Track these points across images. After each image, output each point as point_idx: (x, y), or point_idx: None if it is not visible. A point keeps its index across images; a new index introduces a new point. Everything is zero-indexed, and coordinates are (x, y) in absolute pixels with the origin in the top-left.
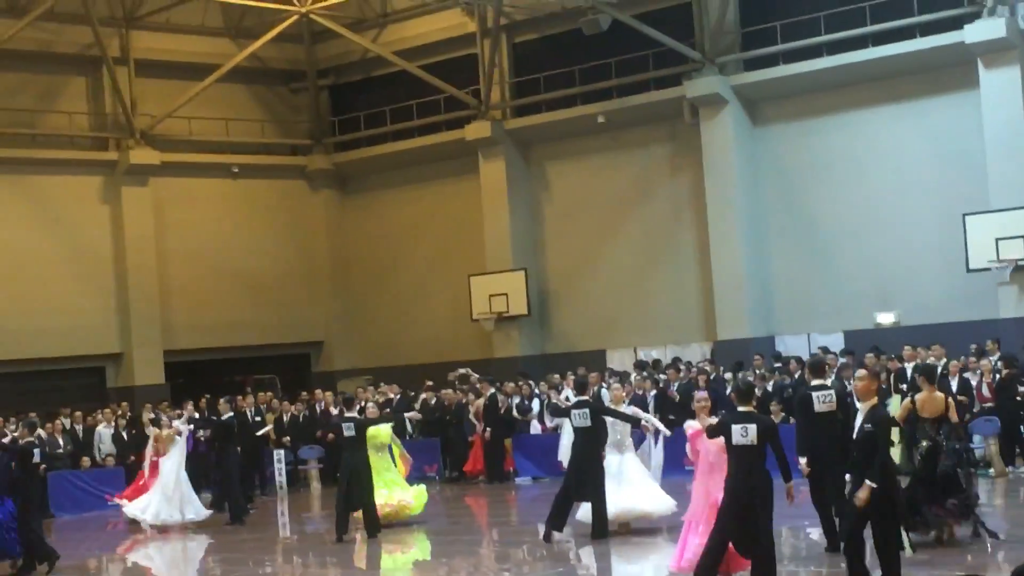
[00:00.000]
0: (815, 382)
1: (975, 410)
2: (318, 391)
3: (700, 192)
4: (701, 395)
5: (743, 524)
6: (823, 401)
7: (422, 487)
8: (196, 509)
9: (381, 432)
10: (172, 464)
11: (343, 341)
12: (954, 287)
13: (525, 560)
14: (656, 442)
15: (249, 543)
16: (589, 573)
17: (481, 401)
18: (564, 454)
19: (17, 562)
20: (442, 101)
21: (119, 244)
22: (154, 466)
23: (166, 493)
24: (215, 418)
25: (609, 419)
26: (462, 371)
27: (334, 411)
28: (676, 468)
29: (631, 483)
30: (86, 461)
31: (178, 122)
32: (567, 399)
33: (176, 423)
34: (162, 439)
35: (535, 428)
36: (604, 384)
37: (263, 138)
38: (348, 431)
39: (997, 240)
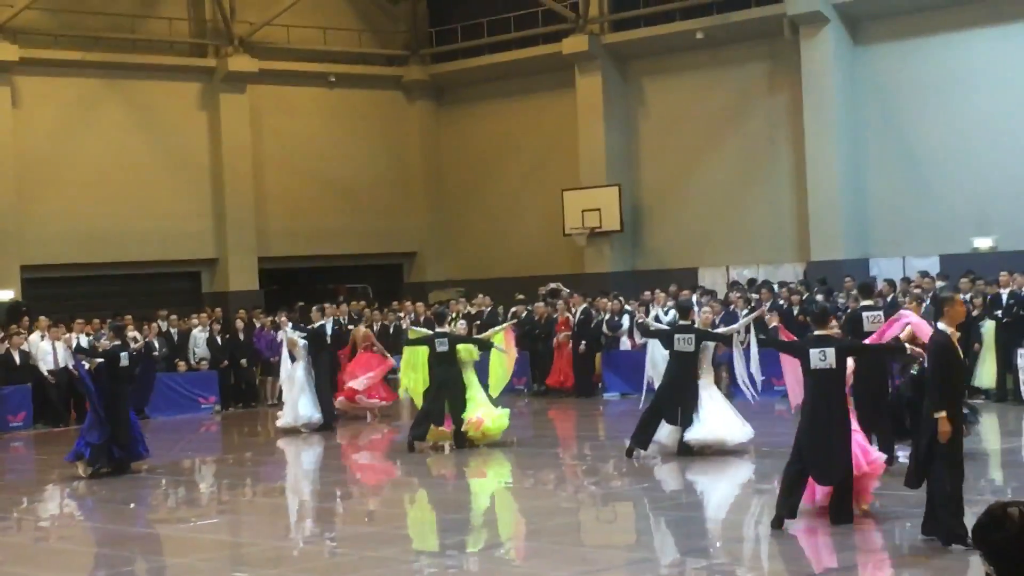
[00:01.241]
0: (865, 302)
1: None
2: (408, 302)
3: (798, 111)
4: (874, 315)
5: (822, 451)
6: (872, 321)
7: (505, 411)
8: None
9: (470, 350)
10: (301, 370)
11: (435, 252)
12: None
13: (611, 475)
14: (750, 360)
15: (337, 449)
16: (673, 490)
17: (567, 315)
18: (651, 370)
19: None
20: (540, 14)
21: (216, 151)
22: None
23: (296, 397)
24: (309, 326)
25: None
26: (553, 285)
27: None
28: (766, 389)
29: (713, 412)
30: (181, 364)
31: (276, 30)
32: (656, 318)
33: (289, 332)
34: (296, 345)
35: (624, 344)
36: (697, 303)
37: (360, 48)
38: (441, 347)
39: None
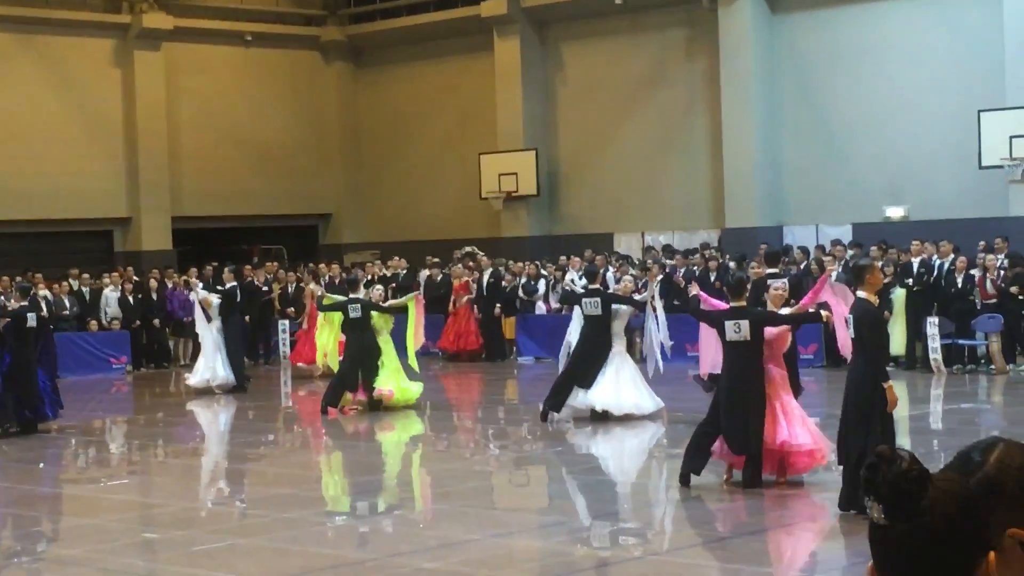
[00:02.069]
0: (770, 270)
1: (979, 307)
2: (323, 264)
3: (715, 79)
4: (779, 284)
5: (737, 421)
6: (775, 289)
7: (419, 385)
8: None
9: (385, 317)
10: (215, 329)
11: (352, 214)
12: (965, 184)
13: (524, 439)
14: (659, 325)
15: (249, 410)
16: (585, 453)
17: (467, 280)
18: (573, 338)
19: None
20: None
21: (130, 109)
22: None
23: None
24: (220, 287)
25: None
26: (468, 249)
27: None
28: (679, 354)
29: (623, 380)
30: (93, 324)
31: None
32: (572, 281)
33: (202, 291)
34: (211, 305)
35: (540, 308)
36: (610, 266)
37: (277, 7)
38: (354, 312)
39: (1011, 138)
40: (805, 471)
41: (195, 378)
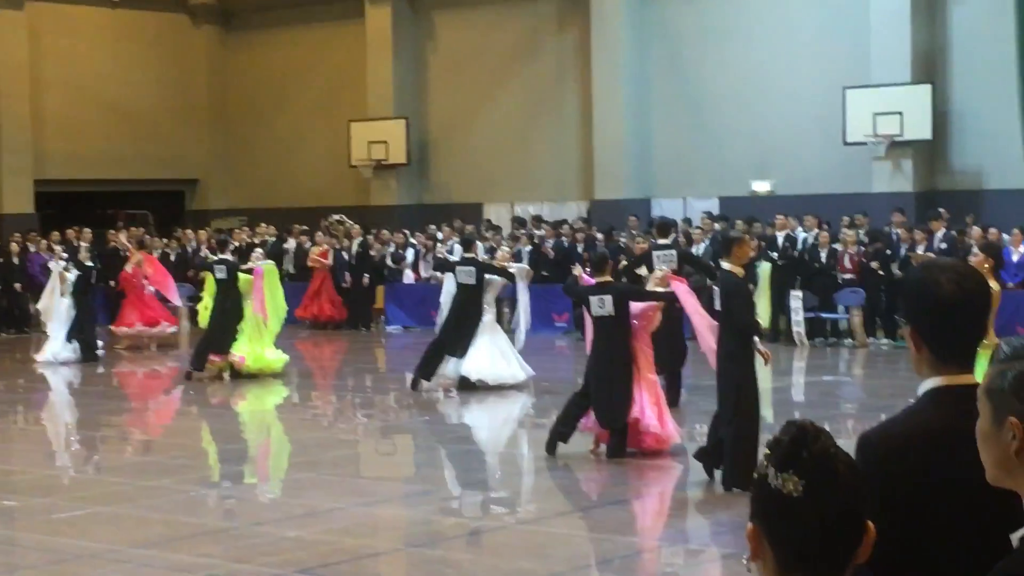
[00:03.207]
0: (660, 241)
1: (840, 282)
2: (190, 230)
3: (586, 51)
4: (667, 254)
5: (604, 395)
6: (662, 260)
7: (281, 354)
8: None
9: (249, 280)
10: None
11: (219, 180)
12: (830, 160)
13: (392, 407)
14: (524, 297)
15: (113, 378)
16: (454, 423)
17: (325, 247)
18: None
19: None
20: None
21: None
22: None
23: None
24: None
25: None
26: (337, 217)
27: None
28: (547, 324)
29: (493, 349)
30: None
31: None
32: (449, 252)
33: (59, 265)
34: (65, 281)
35: (408, 277)
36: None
37: None
38: (220, 273)
39: (875, 115)
40: (649, 451)
41: (43, 355)
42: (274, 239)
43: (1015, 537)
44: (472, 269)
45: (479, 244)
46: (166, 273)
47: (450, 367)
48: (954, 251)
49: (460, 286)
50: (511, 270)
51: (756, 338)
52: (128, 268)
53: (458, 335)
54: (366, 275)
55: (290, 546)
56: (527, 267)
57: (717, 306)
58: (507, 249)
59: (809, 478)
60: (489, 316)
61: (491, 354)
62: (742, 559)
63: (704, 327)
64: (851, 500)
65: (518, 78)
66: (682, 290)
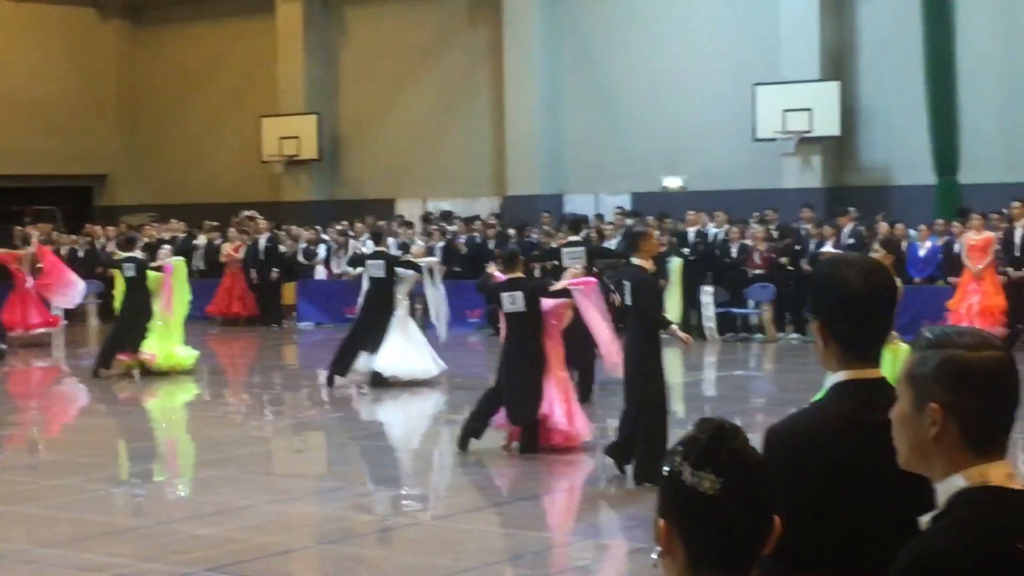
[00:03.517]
0: (571, 238)
1: (750, 277)
2: (99, 227)
3: (498, 47)
4: (576, 252)
5: (515, 393)
6: (571, 257)
7: (191, 352)
8: None
9: (158, 278)
10: None
11: (129, 176)
12: (740, 156)
13: (304, 404)
14: (438, 288)
15: (15, 374)
16: (366, 419)
17: (230, 244)
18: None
19: None
20: None
21: None
22: None
23: None
24: None
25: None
26: (248, 213)
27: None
28: (460, 320)
29: (406, 344)
30: None
31: None
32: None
33: None
34: None
35: (320, 273)
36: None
37: None
38: (129, 271)
39: (784, 112)
40: (559, 447)
41: None
42: (184, 235)
43: (923, 520)
44: (381, 263)
45: (391, 239)
46: (63, 270)
47: (361, 362)
48: (861, 246)
49: (371, 280)
50: (420, 263)
51: (674, 325)
52: (17, 263)
53: (370, 330)
54: (275, 270)
55: (200, 544)
56: (436, 260)
57: (628, 301)
58: (421, 244)
59: (726, 477)
60: (401, 311)
61: (403, 350)
62: (651, 555)
63: (605, 339)
64: (763, 496)
65: (430, 74)
66: (588, 294)
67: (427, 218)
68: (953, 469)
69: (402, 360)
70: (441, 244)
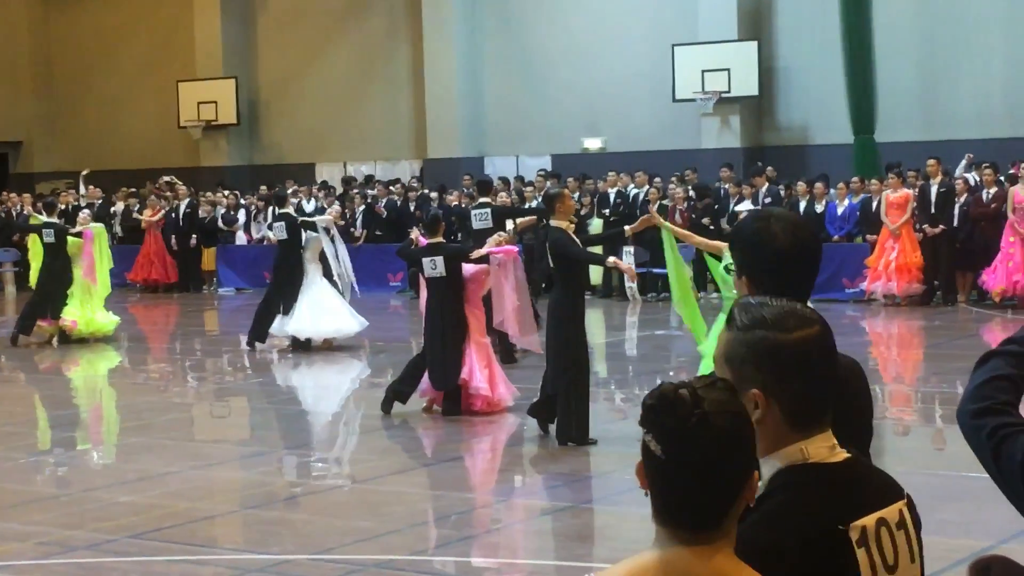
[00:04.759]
0: (481, 199)
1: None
2: (14, 194)
3: (417, 9)
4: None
5: (437, 358)
6: (479, 219)
7: (112, 318)
8: None
9: (78, 243)
10: None
11: (44, 142)
12: (660, 116)
13: (225, 370)
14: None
15: None
16: (290, 385)
17: (149, 210)
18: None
19: None
20: None
21: None
22: None
23: None
24: None
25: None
26: (167, 178)
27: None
28: (382, 284)
29: (321, 305)
30: None
31: None
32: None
33: None
34: None
35: (240, 239)
36: (313, 197)
37: None
38: (48, 237)
39: (703, 72)
40: (480, 413)
41: None
42: (100, 201)
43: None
44: (283, 224)
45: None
46: None
47: (275, 327)
48: (778, 205)
49: (278, 243)
50: (316, 221)
51: (612, 258)
52: None
53: (280, 293)
54: (194, 236)
55: (123, 511)
56: (330, 218)
57: (551, 263)
58: (337, 208)
59: (665, 444)
60: (312, 273)
61: (313, 311)
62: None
63: (510, 310)
64: (711, 465)
65: (349, 36)
66: (506, 263)
67: (348, 182)
68: (775, 447)
69: (311, 322)
70: (362, 208)
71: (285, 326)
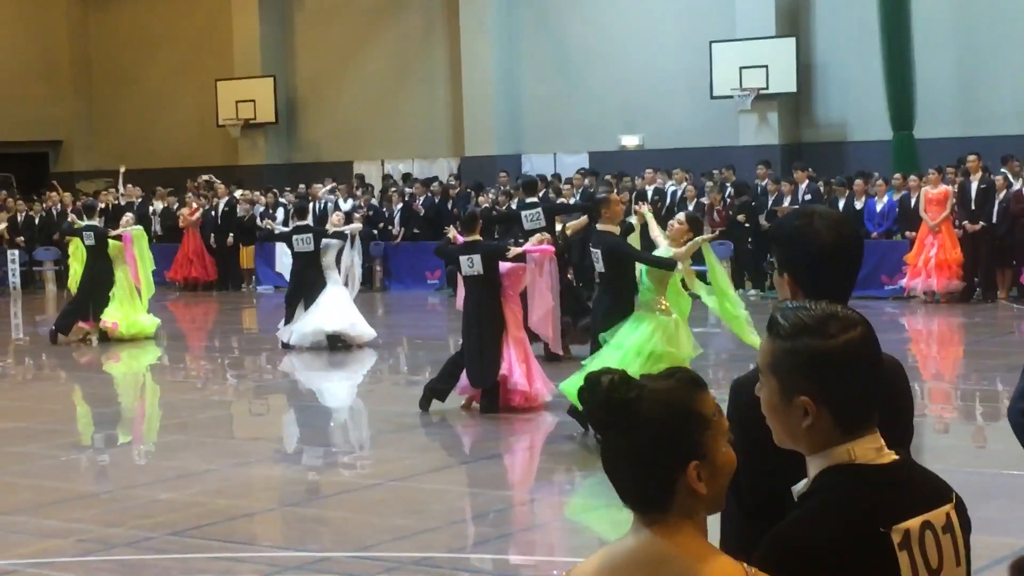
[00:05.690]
0: (529, 199)
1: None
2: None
3: (454, 6)
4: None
5: (475, 356)
6: (530, 219)
7: (154, 321)
8: None
9: (119, 246)
10: None
11: (84, 142)
12: (697, 113)
13: (263, 368)
14: (353, 251)
15: None
16: (330, 383)
17: (188, 208)
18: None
19: None
20: None
21: None
22: None
23: None
24: None
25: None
26: (205, 178)
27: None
28: (419, 281)
29: (340, 307)
30: None
31: None
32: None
33: None
34: None
35: None
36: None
37: None
38: (88, 240)
39: (741, 69)
40: (519, 408)
41: None
42: (140, 200)
43: (796, 489)
44: (309, 236)
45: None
46: None
47: (282, 331)
48: (819, 202)
49: (296, 255)
50: (345, 231)
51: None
52: None
53: (296, 299)
54: (231, 235)
55: (162, 509)
56: (359, 226)
57: (601, 268)
58: (341, 213)
59: (593, 424)
60: (331, 281)
61: (329, 309)
62: None
63: (543, 310)
64: (647, 442)
65: (386, 34)
66: (542, 263)
67: (386, 179)
68: (823, 447)
69: (328, 317)
70: (399, 206)
71: (316, 324)
